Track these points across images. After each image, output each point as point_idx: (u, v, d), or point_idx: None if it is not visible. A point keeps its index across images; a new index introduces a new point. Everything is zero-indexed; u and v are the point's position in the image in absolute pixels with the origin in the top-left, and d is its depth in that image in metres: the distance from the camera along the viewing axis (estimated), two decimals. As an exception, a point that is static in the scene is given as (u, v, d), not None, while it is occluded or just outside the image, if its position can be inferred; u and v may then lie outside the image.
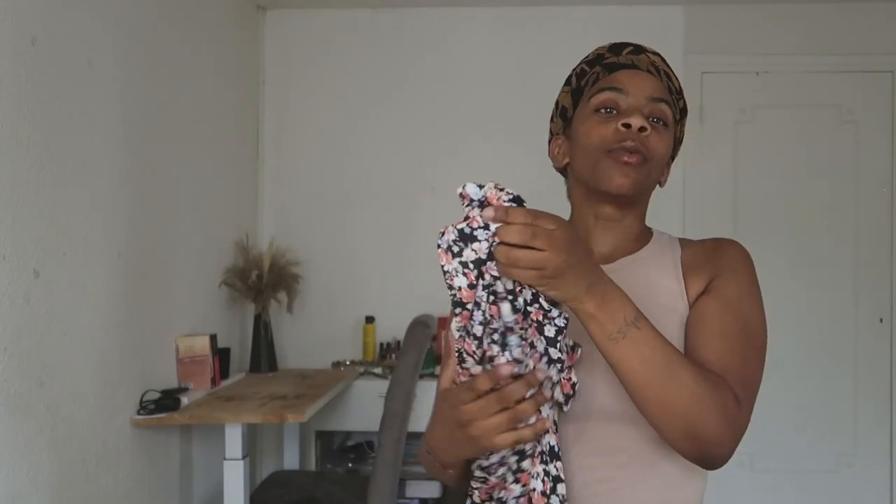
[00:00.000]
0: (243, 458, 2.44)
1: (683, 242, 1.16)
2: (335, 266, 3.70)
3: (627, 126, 1.04)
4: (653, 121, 1.07)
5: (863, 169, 3.62)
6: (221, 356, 2.99)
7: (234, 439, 2.44)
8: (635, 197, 1.10)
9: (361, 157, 3.72)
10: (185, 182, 2.83)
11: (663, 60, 1.13)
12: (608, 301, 0.89)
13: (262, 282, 3.26)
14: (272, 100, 3.75)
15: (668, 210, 3.61)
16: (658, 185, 1.13)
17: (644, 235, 1.16)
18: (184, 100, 2.84)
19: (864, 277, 3.62)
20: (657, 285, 1.09)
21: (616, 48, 1.12)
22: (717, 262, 1.08)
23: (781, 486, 3.58)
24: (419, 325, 2.77)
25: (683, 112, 1.15)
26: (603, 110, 1.07)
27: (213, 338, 2.81)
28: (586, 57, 1.15)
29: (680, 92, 1.13)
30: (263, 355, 3.32)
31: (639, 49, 1.12)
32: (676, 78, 1.14)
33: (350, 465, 3.55)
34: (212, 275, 3.11)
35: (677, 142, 1.15)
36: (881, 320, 3.62)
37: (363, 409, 3.29)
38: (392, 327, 3.60)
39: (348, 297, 3.69)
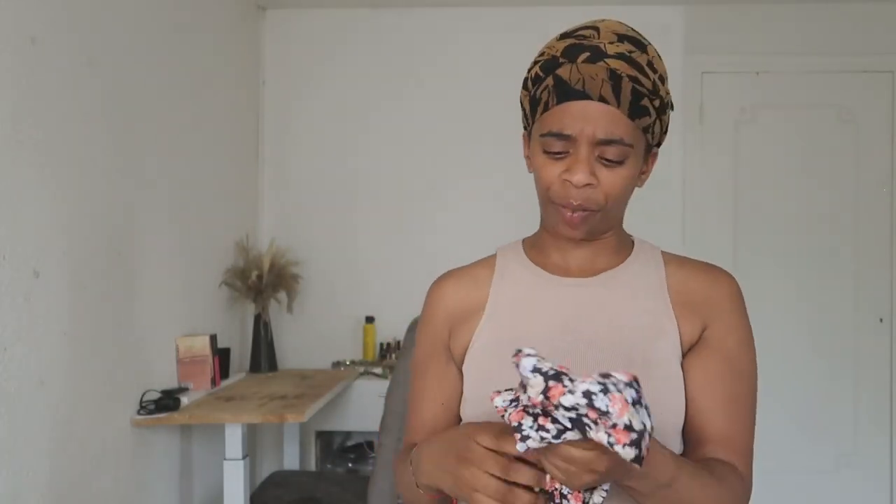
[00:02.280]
0: (243, 458, 2.44)
1: (667, 258, 1.11)
2: (335, 266, 3.70)
3: (570, 181, 0.98)
4: (605, 162, 0.98)
5: (863, 169, 3.62)
6: (221, 356, 2.99)
7: (234, 439, 2.44)
8: (593, 238, 1.06)
9: (361, 158, 3.72)
10: (184, 182, 2.83)
11: (628, 60, 0.97)
12: (642, 473, 0.85)
13: (262, 282, 3.26)
14: (272, 100, 3.75)
15: (668, 210, 3.62)
16: (637, 187, 1.07)
17: (624, 245, 1.11)
18: (184, 100, 2.84)
19: (864, 277, 3.62)
20: (640, 305, 1.05)
21: (571, 52, 0.99)
22: (713, 305, 1.05)
23: (781, 486, 3.58)
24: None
25: (662, 109, 1.02)
26: (551, 153, 1.00)
27: (213, 338, 2.81)
28: (541, 54, 1.04)
29: (655, 90, 0.99)
30: (263, 355, 3.32)
31: (596, 55, 0.97)
32: (651, 72, 0.99)
33: (350, 465, 3.55)
34: (212, 275, 3.11)
35: (659, 133, 1.04)
36: (881, 320, 3.62)
37: (363, 409, 3.29)
38: (392, 327, 3.60)
39: (348, 297, 3.69)
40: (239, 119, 3.48)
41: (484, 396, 0.95)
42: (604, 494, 0.85)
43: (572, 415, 0.74)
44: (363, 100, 3.72)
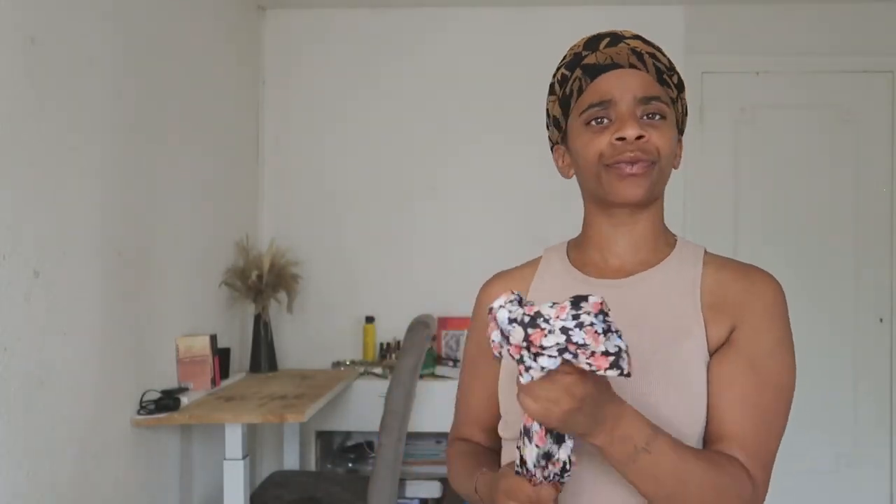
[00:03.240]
0: (243, 458, 2.44)
1: (708, 259, 1.10)
2: (335, 266, 3.70)
3: (622, 139, 1.01)
4: (648, 118, 1.03)
5: (863, 169, 3.62)
6: (221, 356, 2.99)
7: (234, 439, 2.44)
8: (650, 201, 1.08)
9: (361, 157, 3.72)
10: (185, 182, 2.83)
11: (644, 41, 1.07)
12: (618, 430, 0.89)
13: (262, 282, 3.26)
14: (272, 100, 3.75)
15: (668, 210, 3.60)
16: (673, 169, 1.10)
17: (664, 244, 1.12)
18: (184, 99, 2.84)
19: (864, 277, 3.62)
20: (672, 305, 1.04)
21: (591, 43, 1.07)
22: (745, 306, 1.03)
23: (781, 486, 3.56)
24: (419, 325, 2.77)
25: (680, 86, 1.10)
26: (594, 122, 1.04)
27: (213, 338, 2.81)
28: (563, 59, 1.10)
29: (671, 67, 1.08)
30: (263, 355, 3.32)
31: (615, 39, 1.06)
32: (664, 53, 1.08)
33: (350, 465, 3.55)
34: (212, 275, 3.11)
35: (681, 115, 1.10)
36: (881, 320, 3.62)
37: (363, 409, 3.29)
38: (392, 327, 3.60)
39: (348, 297, 3.69)
40: (239, 119, 3.48)
41: (515, 400, 1.01)
42: (568, 470, 0.91)
43: (555, 350, 0.82)
44: (363, 99, 3.72)
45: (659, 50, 1.08)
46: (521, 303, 0.85)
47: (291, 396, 2.72)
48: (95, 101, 2.21)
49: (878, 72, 3.62)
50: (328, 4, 3.70)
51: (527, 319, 0.82)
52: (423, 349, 2.77)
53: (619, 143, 1.01)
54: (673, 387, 0.99)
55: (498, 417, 1.13)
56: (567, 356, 0.81)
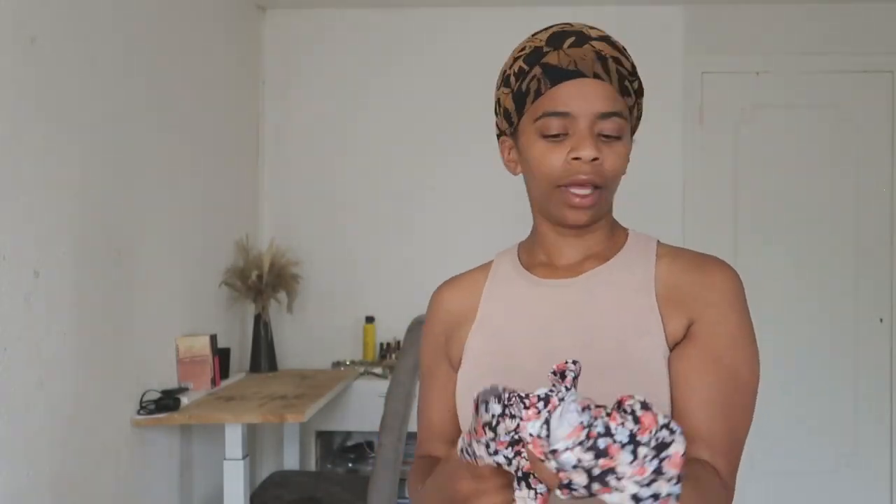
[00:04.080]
0: (243, 458, 2.44)
1: (662, 251, 1.06)
2: (335, 266, 3.70)
3: (578, 158, 0.97)
4: (605, 137, 0.98)
5: (863, 169, 3.62)
6: (221, 356, 2.99)
7: (234, 439, 2.44)
8: (594, 223, 1.04)
9: (361, 157, 3.72)
10: (185, 182, 2.83)
11: (610, 43, 1.01)
12: None
13: (262, 282, 3.26)
14: (272, 100, 3.75)
15: (668, 210, 3.62)
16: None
17: (616, 238, 1.08)
18: (184, 99, 2.84)
19: (864, 277, 3.62)
20: (626, 302, 1.01)
21: (555, 40, 1.01)
22: (700, 298, 0.99)
23: (781, 486, 3.58)
24: (419, 325, 2.77)
25: (640, 92, 1.04)
26: (550, 136, 0.99)
27: (213, 338, 2.81)
28: (522, 49, 1.03)
29: (633, 72, 1.02)
30: (263, 355, 3.32)
31: (581, 39, 1.00)
32: (628, 56, 1.02)
33: (350, 465, 3.55)
34: (212, 275, 3.11)
35: (636, 120, 1.05)
36: (881, 320, 3.62)
37: (363, 409, 3.29)
38: (392, 327, 3.60)
39: (348, 297, 3.69)
40: (239, 119, 3.48)
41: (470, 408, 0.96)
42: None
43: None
44: (363, 99, 3.72)
45: (623, 52, 1.02)
46: (589, 433, 0.66)
47: (291, 396, 2.72)
48: (95, 101, 2.21)
49: (877, 72, 3.62)
50: (328, 4, 3.70)
51: (596, 473, 0.65)
52: (423, 349, 2.77)
53: (575, 162, 0.97)
54: (633, 387, 0.90)
55: (460, 429, 1.07)
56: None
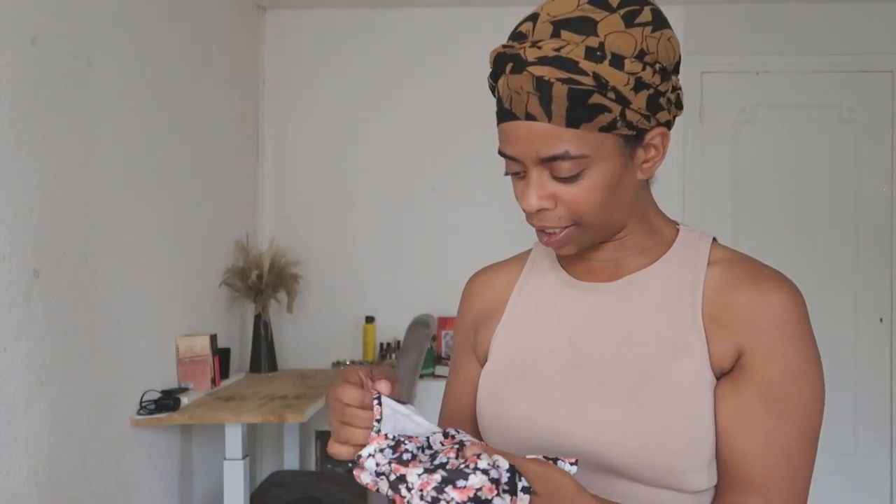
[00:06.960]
0: (243, 458, 2.44)
1: (715, 256, 0.93)
2: (335, 266, 3.70)
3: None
4: (558, 179, 0.86)
5: (863, 169, 3.63)
6: (221, 356, 2.99)
7: (234, 439, 2.44)
8: (594, 245, 0.94)
9: (361, 157, 3.72)
10: (185, 182, 2.83)
11: (555, 62, 0.81)
12: None
13: (262, 282, 3.26)
14: (272, 100, 3.75)
15: (668, 210, 3.59)
16: (648, 182, 0.94)
17: (661, 236, 0.97)
18: (184, 99, 2.84)
19: (864, 277, 3.62)
20: (668, 314, 0.90)
21: (499, 63, 0.87)
22: (755, 324, 0.86)
23: (781, 486, 3.57)
24: (419, 325, 2.77)
25: (638, 87, 0.82)
26: (510, 172, 0.90)
27: (213, 338, 2.81)
28: (493, 52, 0.91)
29: (604, 83, 0.81)
30: (263, 355, 3.33)
31: (519, 64, 0.83)
32: (603, 55, 0.81)
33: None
34: (212, 275, 3.11)
35: (652, 113, 0.85)
36: (881, 320, 3.62)
37: (363, 409, 3.29)
38: (392, 327, 3.60)
39: (348, 297, 3.69)
40: (239, 119, 3.48)
41: (491, 415, 0.96)
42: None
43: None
44: (363, 99, 3.72)
45: (591, 54, 0.81)
46: (396, 447, 0.73)
47: (291, 396, 2.72)
48: (95, 101, 2.21)
49: (877, 72, 3.62)
50: (328, 4, 3.70)
51: (392, 478, 0.71)
52: (423, 349, 2.77)
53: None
54: (669, 412, 0.85)
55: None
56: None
